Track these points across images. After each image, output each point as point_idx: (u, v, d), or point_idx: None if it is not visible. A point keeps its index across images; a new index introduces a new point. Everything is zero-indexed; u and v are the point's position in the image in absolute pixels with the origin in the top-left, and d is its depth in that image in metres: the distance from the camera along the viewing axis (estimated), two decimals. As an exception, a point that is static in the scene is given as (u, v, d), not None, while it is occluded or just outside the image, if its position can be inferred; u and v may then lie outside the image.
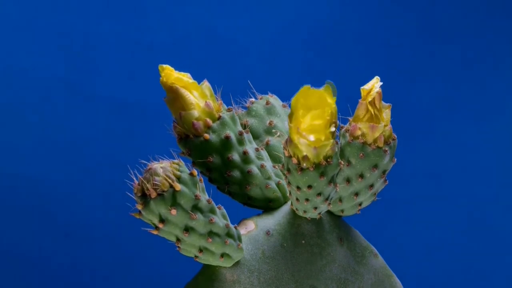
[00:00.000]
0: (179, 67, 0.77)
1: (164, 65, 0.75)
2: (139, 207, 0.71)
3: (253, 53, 1.36)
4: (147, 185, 0.70)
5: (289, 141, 0.70)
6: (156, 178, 0.70)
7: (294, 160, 0.70)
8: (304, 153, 0.69)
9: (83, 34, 1.31)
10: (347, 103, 0.75)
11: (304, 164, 0.70)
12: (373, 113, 0.74)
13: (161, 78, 0.75)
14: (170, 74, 0.75)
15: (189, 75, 0.76)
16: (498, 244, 1.39)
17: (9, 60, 1.30)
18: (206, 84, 0.77)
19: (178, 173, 0.71)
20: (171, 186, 0.70)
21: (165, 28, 1.33)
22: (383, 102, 0.74)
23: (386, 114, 0.75)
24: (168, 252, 0.78)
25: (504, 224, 1.39)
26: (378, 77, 0.73)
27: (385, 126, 0.75)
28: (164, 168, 0.71)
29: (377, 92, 0.73)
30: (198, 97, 0.76)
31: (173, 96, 0.75)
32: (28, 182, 1.30)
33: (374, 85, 0.73)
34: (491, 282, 1.39)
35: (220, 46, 1.35)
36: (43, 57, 1.30)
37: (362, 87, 0.74)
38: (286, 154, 0.71)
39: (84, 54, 1.31)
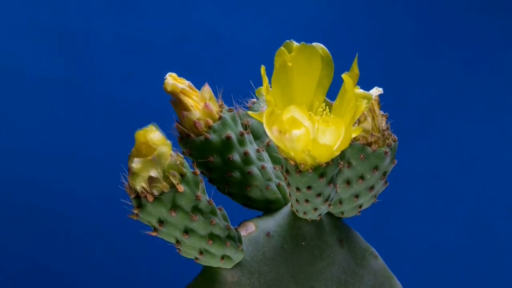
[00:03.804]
0: (180, 67, 0.77)
1: (168, 73, 0.76)
2: (135, 210, 0.69)
3: (255, 53, 1.36)
4: (143, 185, 0.68)
5: (277, 147, 0.69)
6: (153, 173, 0.68)
7: (292, 162, 0.70)
8: (301, 158, 0.69)
9: (83, 34, 1.31)
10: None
11: (302, 166, 0.69)
12: (370, 120, 0.74)
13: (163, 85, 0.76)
14: (167, 83, 0.75)
15: (190, 83, 0.76)
16: (498, 245, 1.39)
17: (9, 60, 1.30)
18: (206, 88, 0.77)
19: (184, 170, 0.70)
20: (171, 186, 0.69)
21: (166, 28, 1.33)
22: (381, 111, 0.75)
23: (382, 122, 0.75)
24: (169, 253, 0.78)
25: (504, 225, 1.39)
26: (380, 88, 0.74)
27: (384, 130, 0.75)
28: (172, 159, 0.69)
29: (374, 99, 0.73)
30: (198, 100, 0.76)
31: (177, 98, 0.76)
32: (27, 182, 1.30)
33: (371, 92, 0.74)
34: (491, 283, 1.39)
35: (221, 46, 1.35)
36: (43, 57, 1.30)
37: None
38: (283, 156, 0.71)
39: (84, 54, 1.31)
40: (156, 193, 0.68)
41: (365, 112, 0.74)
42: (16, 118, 1.30)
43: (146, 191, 0.68)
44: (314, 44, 0.69)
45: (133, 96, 1.32)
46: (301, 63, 0.69)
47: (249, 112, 0.68)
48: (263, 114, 0.65)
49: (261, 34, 1.36)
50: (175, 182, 0.68)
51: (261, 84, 0.83)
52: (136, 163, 0.67)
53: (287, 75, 0.69)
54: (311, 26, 1.38)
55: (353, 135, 0.67)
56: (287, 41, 0.69)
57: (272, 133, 0.66)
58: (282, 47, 0.69)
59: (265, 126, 0.65)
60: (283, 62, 0.69)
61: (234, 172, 0.78)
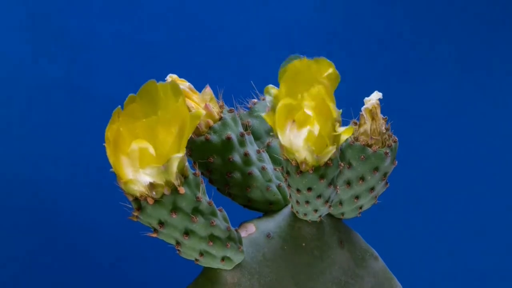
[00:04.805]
0: (180, 68, 0.77)
1: (169, 75, 0.76)
2: (136, 213, 0.68)
3: (255, 53, 1.36)
4: (142, 190, 0.67)
5: (281, 147, 0.70)
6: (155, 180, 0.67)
7: (293, 163, 0.70)
8: (303, 157, 0.69)
9: (82, 34, 1.30)
10: (349, 105, 0.75)
11: (303, 167, 0.69)
12: (369, 123, 0.74)
13: None
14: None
15: (190, 84, 0.76)
16: (499, 246, 1.39)
17: (9, 60, 1.29)
18: (207, 89, 0.77)
19: (188, 172, 0.68)
20: (172, 188, 0.68)
21: (166, 29, 1.33)
22: (381, 115, 0.75)
23: (382, 125, 0.75)
24: (169, 254, 0.78)
25: (505, 226, 1.39)
26: (379, 93, 0.74)
27: (384, 133, 0.75)
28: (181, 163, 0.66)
29: (376, 104, 0.74)
30: (198, 101, 0.76)
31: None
32: (27, 182, 1.30)
33: (372, 97, 0.74)
34: (491, 284, 1.39)
35: (222, 47, 1.35)
36: (43, 57, 1.30)
37: (365, 99, 0.75)
38: (284, 157, 0.71)
39: (84, 54, 1.31)
40: (156, 195, 0.67)
41: (365, 115, 0.74)
42: (15, 118, 1.30)
43: (146, 194, 0.67)
44: (323, 58, 0.68)
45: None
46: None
47: (263, 115, 0.67)
48: (274, 113, 0.66)
49: (261, 34, 1.36)
50: (176, 184, 0.68)
51: (262, 84, 0.83)
52: (144, 174, 0.66)
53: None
54: (311, 26, 1.37)
55: (345, 136, 0.68)
56: (292, 56, 0.69)
57: (284, 128, 0.66)
58: (290, 63, 0.68)
59: (277, 119, 0.65)
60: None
61: (234, 173, 0.78)
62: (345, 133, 0.68)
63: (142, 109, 0.65)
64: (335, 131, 0.68)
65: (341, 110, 0.69)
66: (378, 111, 0.74)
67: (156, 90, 0.65)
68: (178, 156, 0.65)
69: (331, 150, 0.68)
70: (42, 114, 1.30)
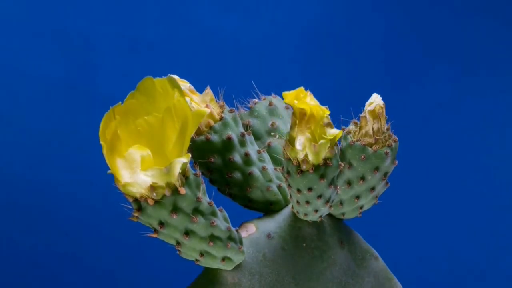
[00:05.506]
0: (181, 68, 0.77)
1: (169, 75, 0.76)
2: (136, 213, 0.67)
3: (255, 53, 1.36)
4: (142, 191, 0.66)
5: (287, 145, 0.70)
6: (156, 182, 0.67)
7: (294, 162, 0.70)
8: (304, 153, 0.69)
9: (83, 34, 1.31)
10: (348, 105, 0.75)
11: (304, 166, 0.70)
12: (371, 125, 0.74)
13: None
14: None
15: (191, 85, 0.76)
16: (499, 247, 1.39)
17: (9, 60, 1.29)
18: (207, 91, 0.77)
19: (188, 172, 0.68)
20: (173, 189, 0.67)
21: (167, 29, 1.33)
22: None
23: (384, 126, 0.75)
24: (169, 254, 0.78)
25: (504, 226, 1.39)
26: (378, 95, 0.74)
27: (385, 132, 0.75)
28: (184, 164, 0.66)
29: (383, 105, 0.74)
30: (198, 102, 0.76)
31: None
32: (28, 182, 1.30)
33: (374, 99, 0.74)
34: (491, 284, 1.39)
35: (222, 47, 1.35)
36: (43, 57, 1.30)
37: (367, 102, 0.75)
38: (285, 157, 0.71)
39: (84, 54, 1.31)
40: (156, 196, 0.67)
41: (367, 117, 0.74)
42: (15, 118, 1.30)
43: (146, 195, 0.67)
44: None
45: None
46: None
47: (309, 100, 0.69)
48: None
49: (261, 34, 1.36)
50: (178, 185, 0.68)
51: (262, 84, 0.84)
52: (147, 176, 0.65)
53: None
54: (311, 26, 1.37)
55: (336, 138, 0.69)
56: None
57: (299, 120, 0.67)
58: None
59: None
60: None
61: (235, 173, 0.77)
62: (337, 136, 0.69)
63: (142, 106, 0.65)
64: (325, 134, 0.69)
65: (329, 112, 0.70)
66: (383, 112, 0.74)
67: (153, 86, 0.65)
68: (182, 161, 0.65)
69: (324, 143, 0.68)
70: (42, 114, 1.30)
